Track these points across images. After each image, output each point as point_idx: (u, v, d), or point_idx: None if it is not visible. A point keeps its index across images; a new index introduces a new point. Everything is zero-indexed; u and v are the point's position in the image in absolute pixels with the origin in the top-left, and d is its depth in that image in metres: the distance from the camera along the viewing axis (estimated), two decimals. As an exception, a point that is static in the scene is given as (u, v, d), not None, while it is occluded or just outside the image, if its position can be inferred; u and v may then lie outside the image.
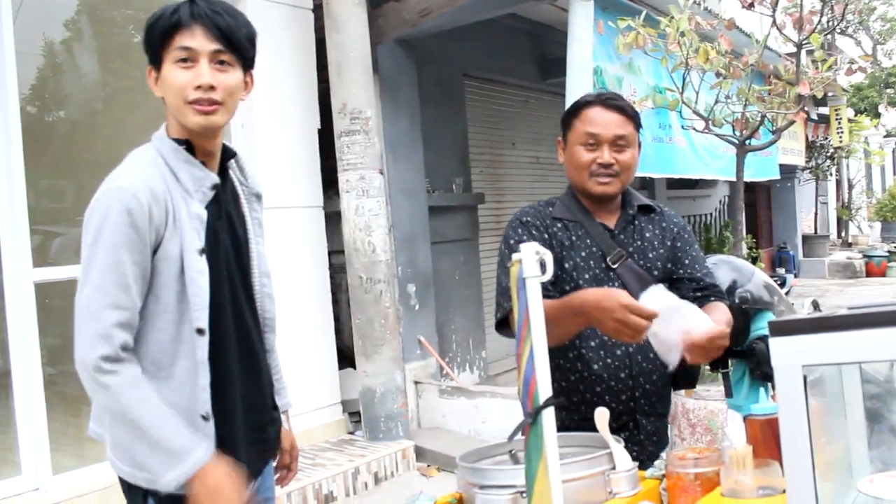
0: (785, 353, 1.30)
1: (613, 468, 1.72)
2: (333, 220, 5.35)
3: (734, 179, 5.81)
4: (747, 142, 5.30)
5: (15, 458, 3.86)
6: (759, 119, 5.18)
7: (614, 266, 2.14)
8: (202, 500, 1.70)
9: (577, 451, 1.81)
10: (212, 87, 1.75)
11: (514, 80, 7.79)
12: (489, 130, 7.66)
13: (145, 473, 1.75)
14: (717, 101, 5.25)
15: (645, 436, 2.16)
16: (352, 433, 5.30)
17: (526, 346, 1.56)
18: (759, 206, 14.24)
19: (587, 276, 2.12)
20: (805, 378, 1.28)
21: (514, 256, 1.56)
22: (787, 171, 11.87)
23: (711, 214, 12.44)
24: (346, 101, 4.95)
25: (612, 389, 2.13)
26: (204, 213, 1.79)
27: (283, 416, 2.12)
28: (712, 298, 2.18)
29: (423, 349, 5.89)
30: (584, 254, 2.14)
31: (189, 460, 1.69)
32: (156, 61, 1.79)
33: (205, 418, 1.77)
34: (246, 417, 1.90)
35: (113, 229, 1.67)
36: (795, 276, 12.89)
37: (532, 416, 1.53)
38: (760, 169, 8.83)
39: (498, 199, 7.72)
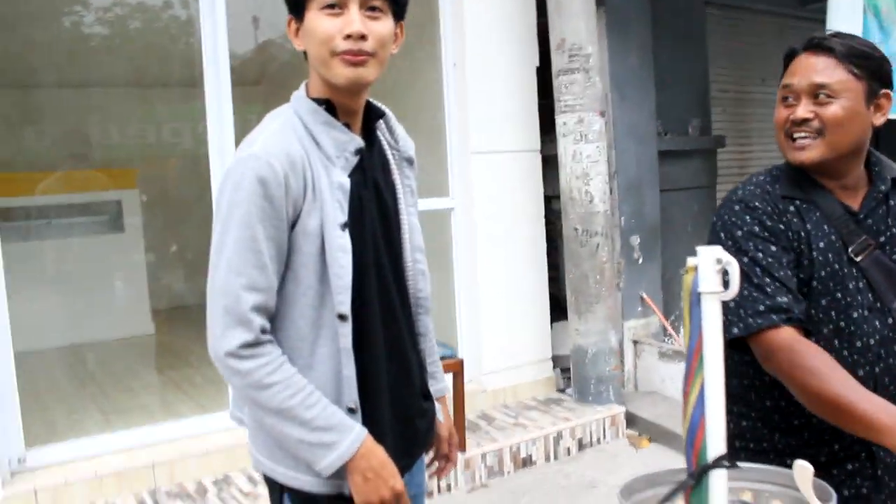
0: None
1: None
2: (552, 163, 5.00)
3: None
4: None
5: None
6: None
7: (857, 259, 1.68)
8: (363, 484, 1.55)
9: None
10: (363, 37, 1.54)
11: (765, 7, 6.88)
12: (734, 66, 6.86)
13: (282, 468, 1.62)
14: None
15: (884, 470, 1.72)
16: (562, 391, 5.03)
17: (696, 382, 1.19)
18: None
19: (823, 274, 1.67)
20: None
21: (690, 261, 1.19)
22: None
23: None
24: (565, 37, 4.53)
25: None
26: (347, 182, 1.58)
27: (438, 404, 1.91)
28: None
29: (645, 306, 5.44)
30: (822, 244, 1.68)
31: (346, 440, 1.53)
32: (297, 9, 1.58)
33: (352, 410, 1.59)
34: (394, 409, 1.71)
35: (246, 202, 1.49)
36: None
37: (695, 478, 1.18)
38: None
39: (743, 142, 6.96)
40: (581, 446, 4.45)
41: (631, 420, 4.69)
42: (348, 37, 1.53)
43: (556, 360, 5.14)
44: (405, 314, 1.75)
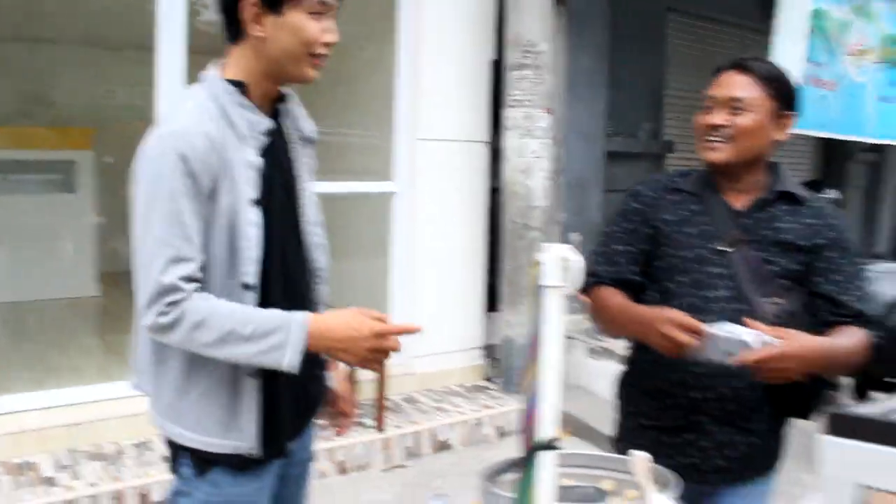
0: (835, 463, 0.92)
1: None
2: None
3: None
4: None
5: None
6: None
7: (726, 249, 1.94)
8: (344, 355, 1.65)
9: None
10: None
11: (728, 18, 6.99)
12: (693, 73, 6.94)
13: (179, 429, 1.71)
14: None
15: (712, 445, 1.96)
16: (489, 380, 5.12)
17: (531, 372, 1.26)
18: None
19: (689, 255, 1.96)
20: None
21: (536, 257, 1.26)
22: None
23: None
24: (519, 32, 4.60)
25: (685, 383, 1.94)
26: (258, 161, 1.68)
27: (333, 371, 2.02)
28: (850, 322, 1.88)
29: (581, 303, 5.54)
30: (694, 230, 1.98)
31: (292, 333, 1.60)
32: (275, 4, 1.64)
33: (252, 377, 1.69)
34: (289, 374, 1.76)
35: (170, 178, 1.57)
36: None
37: (525, 459, 1.25)
38: None
39: (693, 149, 7.06)
40: (501, 434, 4.54)
41: (554, 413, 4.78)
42: (327, 44, 1.67)
43: (490, 350, 5.23)
44: (305, 285, 1.85)
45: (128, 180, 1.68)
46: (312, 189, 1.87)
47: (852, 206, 9.00)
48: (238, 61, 1.70)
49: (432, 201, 4.84)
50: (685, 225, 1.98)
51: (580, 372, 5.29)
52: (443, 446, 4.34)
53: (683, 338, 1.75)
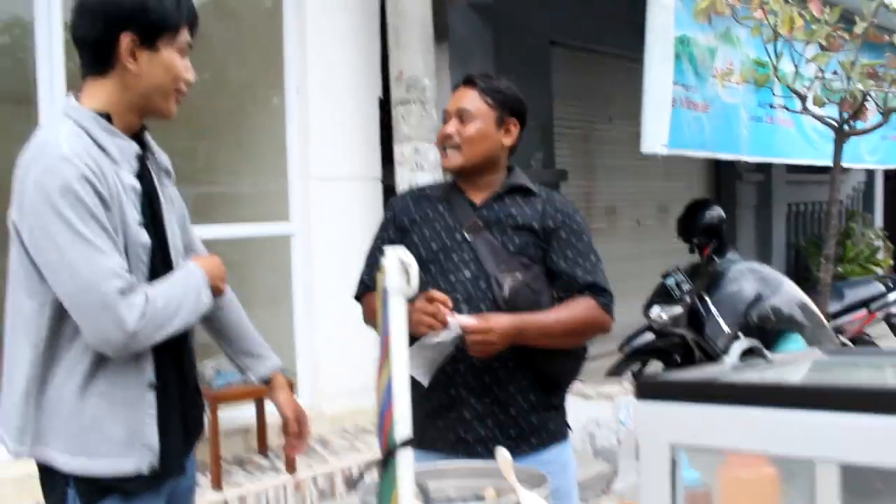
0: (650, 424, 0.98)
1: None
2: (394, 192, 5.14)
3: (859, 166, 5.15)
4: (849, 125, 4.68)
5: None
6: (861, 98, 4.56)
7: (469, 237, 2.17)
8: (216, 274, 1.86)
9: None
10: None
11: (611, 49, 7.28)
12: (581, 104, 7.23)
13: (67, 456, 1.69)
14: (816, 77, 4.67)
15: (472, 415, 2.13)
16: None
17: (384, 372, 1.30)
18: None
19: (434, 247, 2.19)
20: (674, 462, 0.95)
21: (381, 262, 1.30)
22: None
23: (842, 202, 11.45)
24: (403, 69, 4.69)
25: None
26: (138, 184, 1.75)
27: (279, 380, 2.09)
28: (584, 293, 2.16)
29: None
30: (437, 225, 2.22)
31: (195, 270, 1.82)
32: (152, 39, 1.72)
33: (152, 386, 1.76)
34: (177, 398, 1.85)
35: (80, 200, 1.60)
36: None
37: (384, 458, 1.28)
38: (889, 154, 7.92)
39: (588, 177, 7.30)
40: (412, 467, 4.53)
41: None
42: (189, 83, 1.81)
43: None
44: None
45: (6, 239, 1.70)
46: (173, 219, 1.90)
47: (746, 224, 9.40)
48: (100, 92, 1.74)
49: (329, 240, 4.86)
50: (431, 222, 2.23)
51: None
52: (357, 485, 4.30)
53: (429, 321, 1.96)
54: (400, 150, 4.77)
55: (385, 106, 5.08)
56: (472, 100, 2.19)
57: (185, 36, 1.77)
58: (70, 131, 1.67)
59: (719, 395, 0.85)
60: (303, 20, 4.78)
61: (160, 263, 1.81)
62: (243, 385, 4.06)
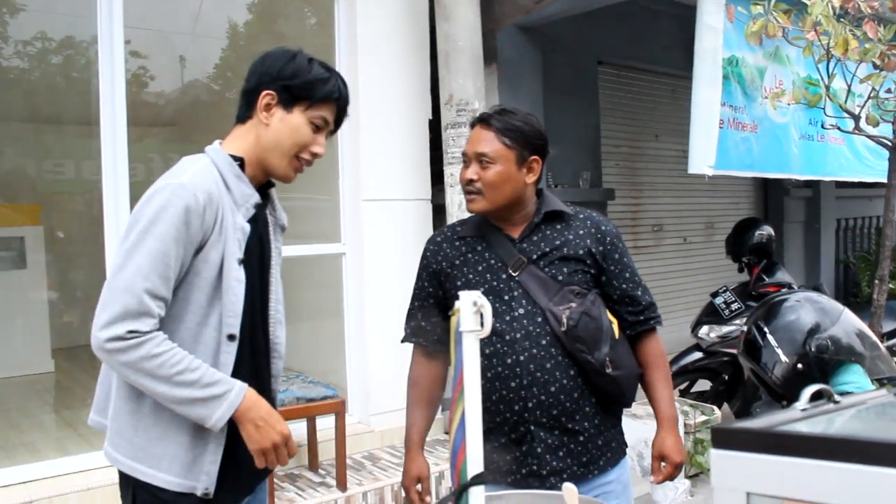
0: (727, 474, 1.02)
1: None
2: (444, 212, 5.21)
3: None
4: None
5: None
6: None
7: (515, 274, 2.14)
8: (256, 431, 1.79)
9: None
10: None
11: (658, 68, 7.31)
12: (627, 122, 7.24)
13: (141, 466, 1.79)
14: (869, 97, 4.64)
15: (545, 449, 2.12)
16: (448, 432, 5.17)
17: (458, 409, 1.36)
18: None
19: (482, 290, 2.11)
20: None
21: (456, 305, 1.37)
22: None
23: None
24: (453, 93, 4.77)
25: (503, 399, 2.12)
26: (247, 227, 1.87)
27: None
28: (651, 323, 2.23)
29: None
30: (480, 267, 2.18)
31: (233, 390, 1.76)
32: (293, 101, 1.88)
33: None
34: None
35: (168, 222, 1.72)
36: None
37: (457, 495, 1.34)
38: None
39: (634, 195, 7.31)
40: (462, 485, 4.58)
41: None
42: (315, 154, 1.92)
43: (446, 403, 5.27)
44: (266, 355, 2.00)
45: (78, 254, 1.80)
46: (278, 270, 2.04)
47: (794, 240, 9.31)
48: (238, 139, 1.92)
49: (380, 260, 4.94)
50: (473, 264, 2.19)
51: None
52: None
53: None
54: (450, 172, 4.84)
55: (435, 127, 5.16)
56: (489, 142, 2.11)
57: (324, 112, 1.90)
58: (202, 167, 1.83)
59: (794, 448, 0.89)
60: (354, 46, 4.89)
61: (258, 301, 1.93)
62: (295, 402, 4.15)
